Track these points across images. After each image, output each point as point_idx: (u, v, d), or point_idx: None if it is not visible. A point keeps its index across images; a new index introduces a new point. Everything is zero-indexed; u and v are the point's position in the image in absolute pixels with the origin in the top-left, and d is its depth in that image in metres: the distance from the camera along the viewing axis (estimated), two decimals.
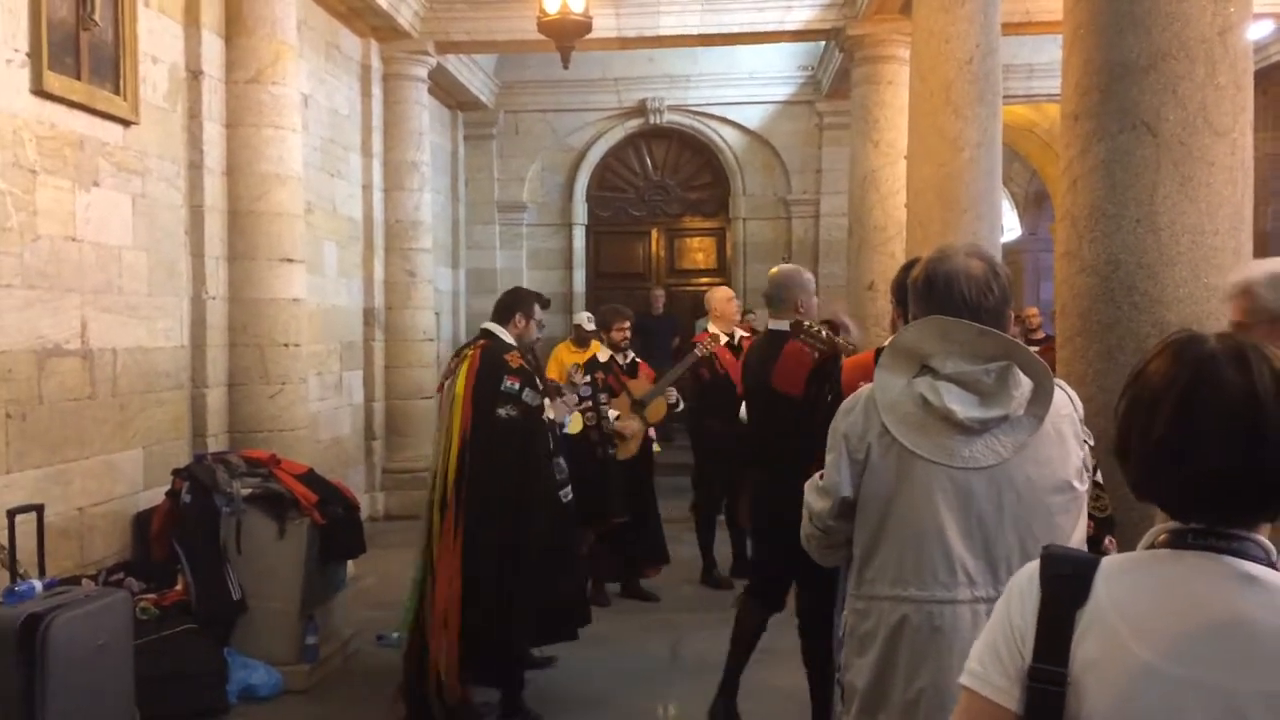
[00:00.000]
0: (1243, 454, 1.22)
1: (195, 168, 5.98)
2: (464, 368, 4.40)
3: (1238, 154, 3.30)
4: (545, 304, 4.75)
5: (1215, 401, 1.23)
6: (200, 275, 6.02)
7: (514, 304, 4.64)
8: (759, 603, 4.25)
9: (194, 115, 5.98)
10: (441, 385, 4.59)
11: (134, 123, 5.37)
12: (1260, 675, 1.17)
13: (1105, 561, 1.31)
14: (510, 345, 4.49)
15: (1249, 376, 1.24)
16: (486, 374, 4.34)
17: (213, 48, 6.08)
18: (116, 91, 5.22)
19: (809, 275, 4.61)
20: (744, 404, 6.25)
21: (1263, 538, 1.27)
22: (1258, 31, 9.24)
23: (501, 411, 4.27)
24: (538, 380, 4.51)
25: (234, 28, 6.20)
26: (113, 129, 5.26)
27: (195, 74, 5.97)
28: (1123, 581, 1.27)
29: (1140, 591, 1.26)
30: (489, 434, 4.28)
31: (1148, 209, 3.27)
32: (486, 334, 4.56)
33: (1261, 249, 10.61)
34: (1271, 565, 1.26)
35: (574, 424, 5.76)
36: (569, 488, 4.50)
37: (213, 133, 6.08)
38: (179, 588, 4.81)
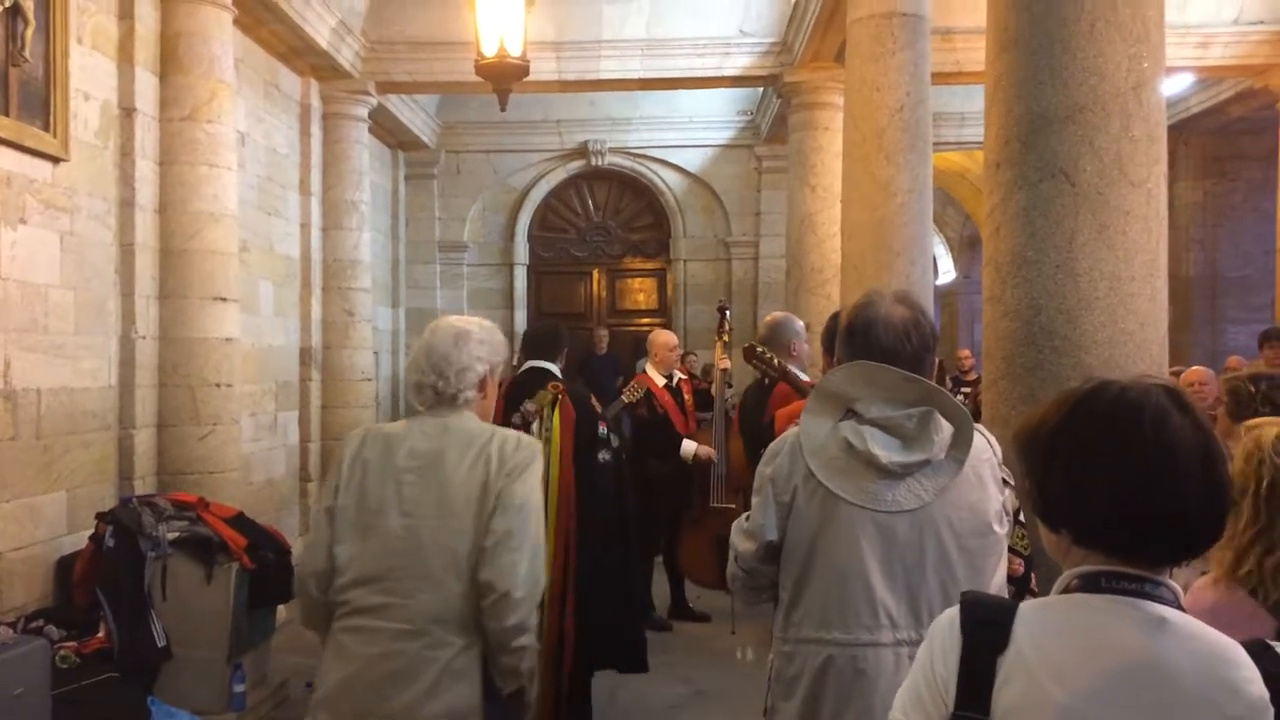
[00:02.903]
0: (1197, 498, 1.25)
1: (127, 205, 5.88)
2: (557, 418, 4.36)
3: (1152, 204, 3.42)
4: None
5: (1169, 447, 1.26)
6: (130, 314, 5.90)
7: (558, 338, 4.72)
8: None
9: (126, 153, 5.89)
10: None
11: (64, 160, 5.28)
12: (1176, 717, 1.20)
13: (1023, 607, 1.32)
14: (587, 390, 4.66)
15: (1195, 423, 1.27)
16: (583, 422, 4.39)
17: (147, 85, 6.01)
18: (46, 128, 5.13)
19: (800, 323, 4.92)
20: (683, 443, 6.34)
21: (1170, 580, 1.30)
22: (1178, 85, 9.58)
23: (600, 456, 4.43)
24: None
25: (169, 65, 6.14)
26: (42, 166, 5.16)
27: (128, 111, 5.89)
28: (1041, 627, 1.29)
29: (1058, 637, 1.28)
30: (593, 480, 4.38)
31: (1067, 255, 3.37)
32: (550, 374, 4.53)
33: (1184, 295, 11.01)
34: (1180, 608, 1.29)
35: None
36: None
37: (145, 170, 5.99)
38: (101, 635, 4.67)
